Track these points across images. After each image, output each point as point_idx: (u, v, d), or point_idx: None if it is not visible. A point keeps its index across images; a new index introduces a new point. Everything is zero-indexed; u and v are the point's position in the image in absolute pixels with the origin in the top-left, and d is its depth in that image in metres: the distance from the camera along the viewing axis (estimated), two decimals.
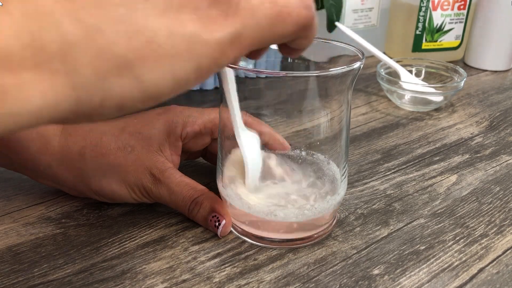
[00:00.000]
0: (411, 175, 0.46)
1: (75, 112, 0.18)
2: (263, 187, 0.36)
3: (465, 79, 0.62)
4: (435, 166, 0.48)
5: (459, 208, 0.41)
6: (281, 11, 0.21)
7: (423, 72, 0.69)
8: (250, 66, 0.35)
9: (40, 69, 0.17)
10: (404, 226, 0.38)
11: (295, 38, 0.23)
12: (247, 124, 0.37)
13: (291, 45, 0.24)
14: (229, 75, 0.31)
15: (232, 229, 0.37)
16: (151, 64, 0.18)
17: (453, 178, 0.46)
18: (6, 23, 0.16)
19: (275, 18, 0.21)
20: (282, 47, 0.26)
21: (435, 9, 0.77)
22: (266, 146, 0.38)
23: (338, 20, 0.68)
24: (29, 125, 0.17)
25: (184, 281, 0.32)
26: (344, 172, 0.37)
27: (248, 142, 0.34)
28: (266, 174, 0.36)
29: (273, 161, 0.37)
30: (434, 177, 0.46)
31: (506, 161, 0.49)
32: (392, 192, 0.43)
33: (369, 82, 0.71)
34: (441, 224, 0.39)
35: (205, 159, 0.44)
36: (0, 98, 0.16)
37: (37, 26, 0.16)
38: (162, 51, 0.18)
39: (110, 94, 0.18)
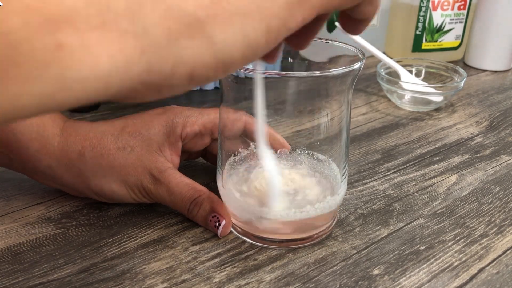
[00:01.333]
0: (411, 175, 0.46)
1: (144, 81, 0.17)
2: (263, 187, 0.36)
3: (465, 79, 0.62)
4: (435, 166, 0.48)
5: (459, 208, 0.41)
6: None
7: (423, 72, 0.69)
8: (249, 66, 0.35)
9: (108, 29, 0.15)
10: (404, 226, 0.38)
11: (360, 2, 0.22)
12: (247, 124, 0.37)
13: (356, 15, 0.23)
14: (260, 87, 0.28)
15: (232, 229, 0.37)
16: (222, 23, 0.17)
17: (453, 178, 0.46)
18: None
19: None
20: (346, 21, 0.24)
21: (435, 9, 0.77)
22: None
23: (338, 20, 0.68)
24: (97, 93, 0.16)
25: (184, 281, 0.32)
26: (344, 172, 0.37)
27: (271, 161, 0.31)
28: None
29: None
30: (434, 177, 0.46)
31: (506, 161, 0.49)
32: (392, 192, 0.43)
33: (369, 82, 0.71)
34: (441, 224, 0.39)
35: (205, 159, 0.44)
36: (67, 58, 0.15)
37: None
38: (233, 9, 0.17)
39: (181, 58, 0.17)
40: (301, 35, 0.23)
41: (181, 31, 0.17)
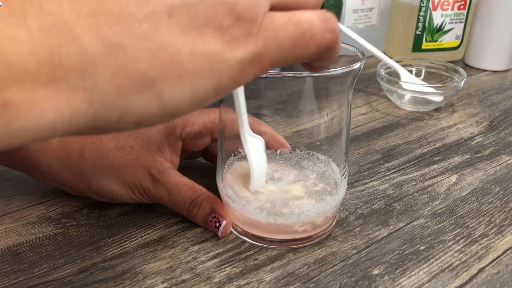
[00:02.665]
0: (411, 175, 0.46)
1: (91, 126, 0.18)
2: (264, 187, 0.36)
3: (465, 79, 0.62)
4: (435, 166, 0.48)
5: (459, 208, 0.41)
6: (304, 34, 0.20)
7: (423, 72, 0.69)
8: None
9: (56, 85, 0.16)
10: (404, 226, 0.38)
11: (316, 59, 0.22)
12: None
13: (313, 64, 0.24)
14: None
15: (232, 229, 0.37)
16: (173, 82, 0.18)
17: (453, 178, 0.46)
18: (23, 37, 0.15)
19: (297, 40, 0.20)
20: (304, 64, 0.25)
21: (435, 9, 0.77)
22: (266, 146, 0.38)
23: (338, 20, 0.68)
24: (42, 138, 0.17)
25: (184, 281, 0.32)
26: (344, 172, 0.37)
27: (254, 146, 0.33)
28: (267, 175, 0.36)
29: (274, 161, 0.37)
30: (434, 177, 0.46)
31: (506, 161, 0.49)
32: (392, 192, 0.43)
33: (369, 82, 0.71)
34: (441, 224, 0.39)
35: (205, 159, 0.44)
36: (12, 113, 0.15)
37: (56, 41, 0.16)
38: (184, 70, 0.18)
39: (129, 110, 0.18)
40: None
41: (131, 88, 0.17)
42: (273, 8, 0.20)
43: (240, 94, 0.31)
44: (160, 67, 0.18)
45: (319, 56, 0.22)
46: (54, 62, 0.16)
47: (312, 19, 0.20)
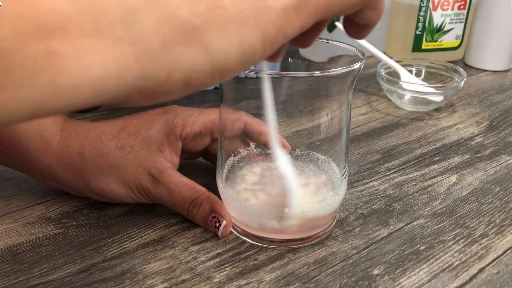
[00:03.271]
0: (411, 175, 0.46)
1: (139, 87, 0.17)
2: (263, 187, 0.36)
3: (465, 79, 0.62)
4: (435, 166, 0.48)
5: (459, 208, 0.41)
6: None
7: (423, 72, 0.69)
8: None
9: (101, 36, 0.15)
10: (404, 226, 0.38)
11: (362, 7, 0.21)
12: (247, 124, 0.37)
13: (359, 20, 0.23)
14: (267, 88, 0.28)
15: (232, 229, 0.37)
16: (218, 30, 0.17)
17: (453, 178, 0.46)
18: None
19: None
20: (349, 25, 0.24)
21: (435, 9, 0.77)
22: (266, 146, 0.38)
23: (338, 20, 0.68)
24: (89, 99, 0.16)
25: (184, 281, 0.32)
26: (344, 172, 0.37)
27: (287, 163, 0.31)
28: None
29: (273, 162, 0.37)
30: (434, 177, 0.46)
31: (506, 161, 0.49)
32: (392, 192, 0.43)
33: (369, 82, 0.71)
34: (441, 224, 0.39)
35: (205, 159, 0.44)
36: (59, 66, 0.15)
37: None
38: (228, 16, 0.17)
39: (177, 65, 0.17)
40: (305, 35, 0.23)
41: (177, 38, 0.17)
42: None
43: (270, 106, 0.28)
44: (204, 14, 0.17)
45: (365, 3, 0.21)
46: (97, 11, 0.15)
47: None
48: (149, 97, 0.18)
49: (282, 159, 0.31)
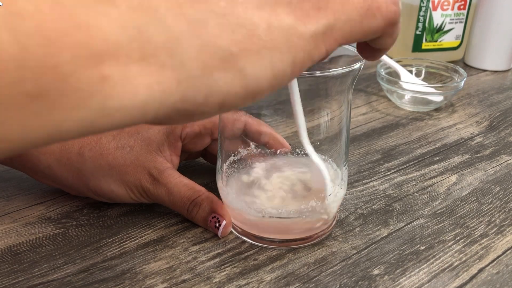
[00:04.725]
0: (411, 175, 0.46)
1: (178, 109, 0.18)
2: (263, 187, 0.36)
3: (465, 79, 0.62)
4: (435, 166, 0.48)
5: (459, 208, 0.41)
6: (371, 6, 0.21)
7: (423, 72, 0.69)
8: None
9: (147, 62, 0.16)
10: (404, 226, 0.38)
11: (381, 34, 0.23)
12: (247, 124, 0.37)
13: (376, 45, 0.24)
14: (296, 90, 0.30)
15: (232, 229, 0.37)
16: (253, 57, 0.18)
17: (453, 178, 0.46)
18: (114, 15, 0.16)
19: (365, 12, 0.21)
20: (365, 49, 0.26)
21: (435, 9, 0.77)
22: (266, 146, 0.38)
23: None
24: (134, 119, 0.17)
25: (184, 281, 0.32)
26: (344, 172, 0.37)
27: (316, 155, 0.34)
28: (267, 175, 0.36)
29: (273, 162, 0.37)
30: (434, 177, 0.46)
31: (506, 161, 0.49)
32: (392, 192, 0.43)
33: (369, 82, 0.71)
34: (441, 224, 0.39)
35: (205, 159, 0.44)
36: (109, 89, 0.16)
37: (143, 20, 0.16)
38: (263, 44, 0.18)
39: (214, 89, 0.18)
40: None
41: (215, 64, 0.18)
42: None
43: (298, 104, 0.30)
44: (241, 42, 0.18)
45: (385, 30, 0.22)
46: (143, 39, 0.16)
47: None
48: (186, 117, 0.19)
49: (314, 155, 0.33)
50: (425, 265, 0.34)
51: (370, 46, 0.25)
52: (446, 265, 0.34)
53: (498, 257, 0.35)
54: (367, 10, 0.21)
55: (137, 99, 0.16)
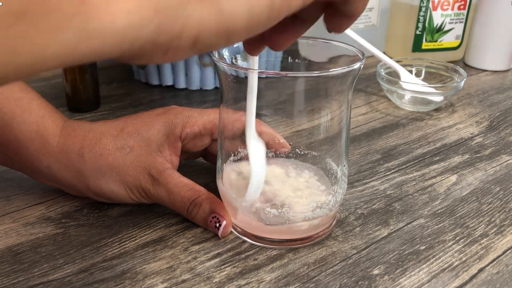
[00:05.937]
0: (411, 175, 0.46)
1: (154, 41, 0.18)
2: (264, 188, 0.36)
3: (465, 79, 0.62)
4: (435, 166, 0.48)
5: (459, 208, 0.41)
6: None
7: (423, 72, 0.69)
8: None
9: None
10: (404, 226, 0.38)
11: None
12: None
13: (347, 10, 0.24)
14: (254, 80, 0.31)
15: (232, 229, 0.37)
16: None
17: (453, 178, 0.46)
18: None
19: None
20: (332, 18, 0.25)
21: (435, 9, 0.77)
22: (266, 146, 0.38)
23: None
24: (112, 47, 0.17)
25: (184, 281, 0.32)
26: (344, 172, 0.37)
27: (256, 152, 0.34)
28: (267, 175, 0.36)
29: (273, 162, 0.37)
30: (434, 177, 0.46)
31: (506, 161, 0.49)
32: (392, 192, 0.43)
33: (369, 82, 0.71)
34: (441, 224, 0.39)
35: (205, 159, 0.44)
36: (90, 11, 0.16)
37: None
38: None
39: (189, 22, 0.18)
40: (284, 34, 0.26)
41: None
42: None
43: (253, 94, 0.31)
44: None
45: None
46: None
47: None
48: (160, 52, 0.19)
49: (253, 151, 0.34)
50: (425, 265, 0.34)
51: (339, 14, 0.24)
52: (446, 265, 0.34)
53: (498, 257, 0.35)
54: None
55: (116, 24, 0.17)
